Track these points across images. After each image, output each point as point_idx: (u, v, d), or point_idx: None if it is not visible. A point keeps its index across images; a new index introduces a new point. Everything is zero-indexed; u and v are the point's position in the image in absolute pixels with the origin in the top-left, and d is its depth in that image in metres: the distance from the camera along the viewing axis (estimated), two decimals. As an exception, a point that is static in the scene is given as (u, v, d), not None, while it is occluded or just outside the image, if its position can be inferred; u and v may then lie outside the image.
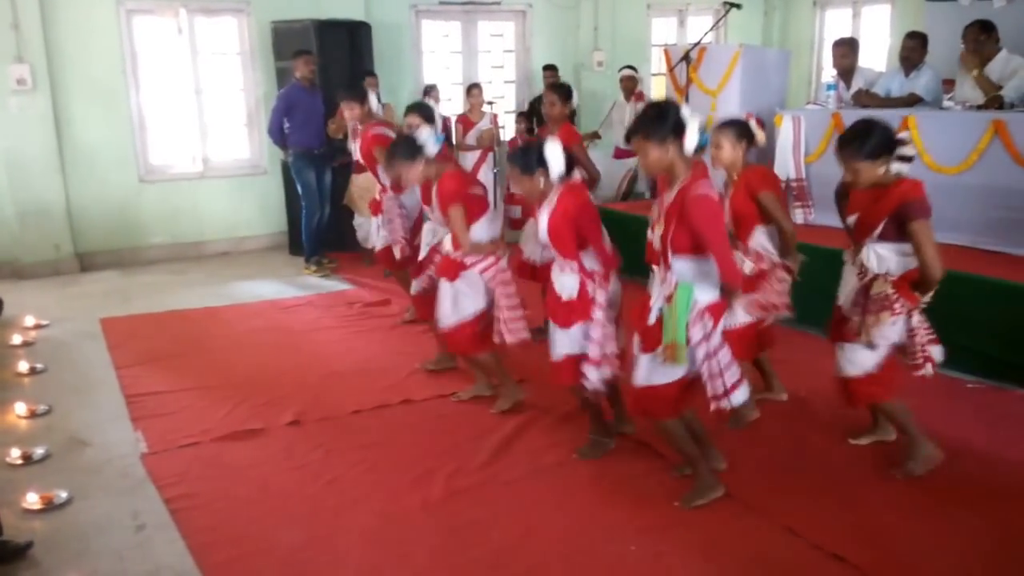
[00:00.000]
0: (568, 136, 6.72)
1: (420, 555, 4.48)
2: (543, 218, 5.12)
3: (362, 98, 8.09)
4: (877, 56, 13.01)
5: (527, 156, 5.10)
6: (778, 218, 5.57)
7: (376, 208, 7.88)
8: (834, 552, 4.39)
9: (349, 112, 8.07)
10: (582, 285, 5.07)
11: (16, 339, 7.98)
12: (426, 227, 6.84)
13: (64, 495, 5.08)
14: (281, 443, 5.85)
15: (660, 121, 4.36)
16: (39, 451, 5.68)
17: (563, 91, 7.43)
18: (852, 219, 4.98)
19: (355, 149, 8.10)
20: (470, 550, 4.51)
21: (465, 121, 11.79)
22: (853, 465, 5.36)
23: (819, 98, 10.00)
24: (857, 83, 9.16)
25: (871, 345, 4.91)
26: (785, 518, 4.71)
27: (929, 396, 6.41)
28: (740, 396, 4.58)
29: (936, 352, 4.96)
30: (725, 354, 4.54)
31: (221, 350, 7.75)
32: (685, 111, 4.39)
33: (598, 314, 5.05)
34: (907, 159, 4.79)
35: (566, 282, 5.14)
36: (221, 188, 11.82)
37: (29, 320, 8.50)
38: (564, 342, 5.21)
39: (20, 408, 6.37)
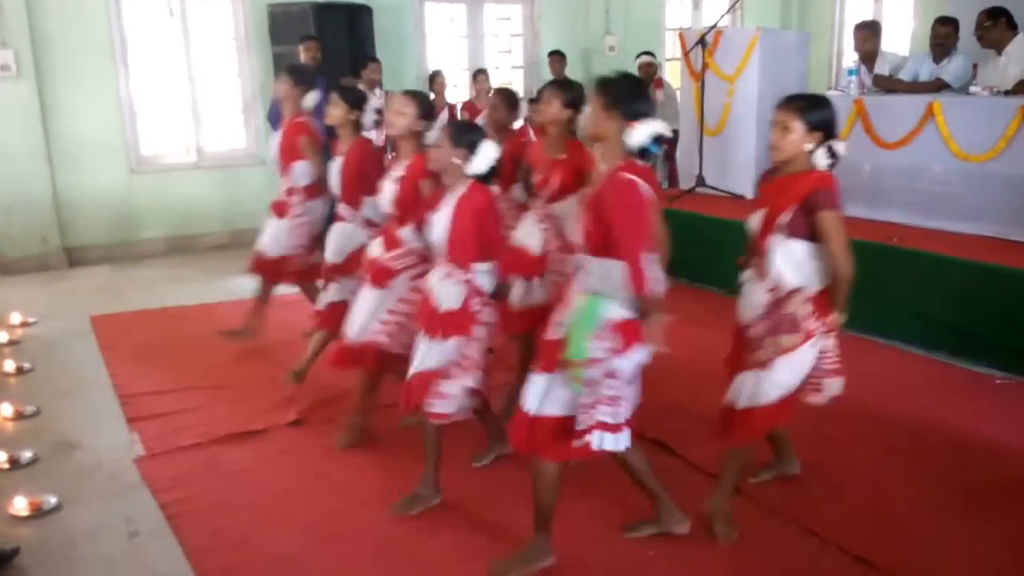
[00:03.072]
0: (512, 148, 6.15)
1: (429, 560, 4.48)
2: (446, 210, 4.75)
3: (301, 79, 7.48)
4: (900, 40, 12.98)
5: (465, 131, 4.77)
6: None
7: (282, 210, 7.44)
8: (858, 554, 4.39)
9: (279, 85, 7.53)
10: (467, 298, 4.72)
11: (2, 337, 7.99)
12: (337, 229, 6.48)
13: (53, 500, 5.06)
14: (282, 444, 5.85)
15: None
16: (26, 454, 5.67)
17: (507, 96, 6.69)
18: (758, 215, 4.48)
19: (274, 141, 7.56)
20: (480, 553, 4.49)
21: (471, 108, 11.80)
22: (877, 465, 5.35)
23: (840, 84, 9.99)
24: (880, 68, 9.14)
25: (770, 365, 4.38)
26: (808, 519, 4.70)
27: (957, 392, 6.43)
28: (617, 441, 4.11)
29: (834, 386, 4.58)
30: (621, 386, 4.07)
31: (218, 348, 7.71)
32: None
33: (480, 332, 4.76)
34: (834, 155, 4.38)
35: (449, 291, 4.74)
36: (216, 179, 11.83)
37: (15, 317, 8.50)
38: (432, 356, 4.77)
39: (6, 409, 6.36)
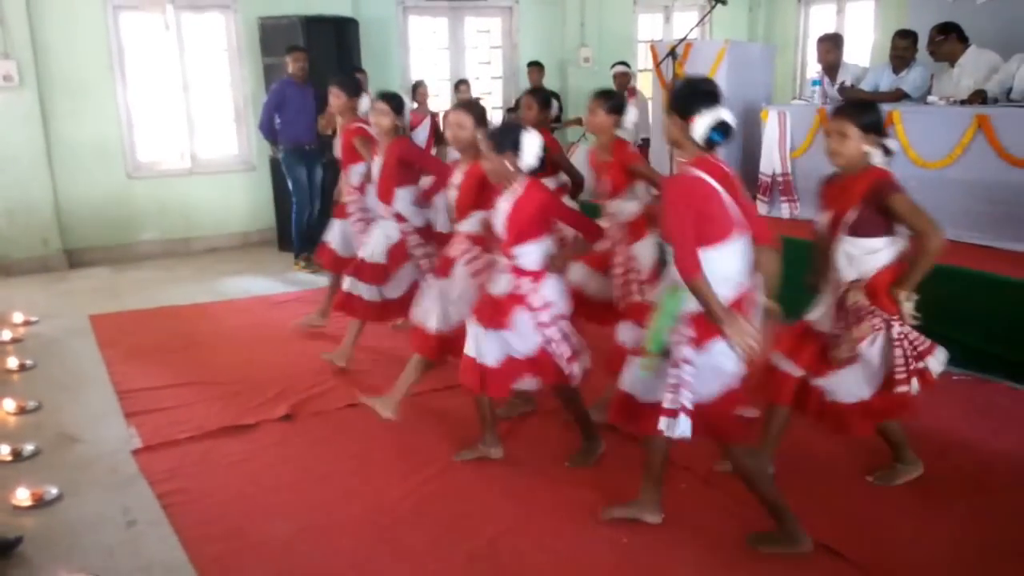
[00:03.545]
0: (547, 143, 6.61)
1: (412, 549, 4.48)
2: (504, 206, 4.97)
3: (353, 90, 7.68)
4: (861, 52, 13.02)
5: (503, 135, 4.95)
6: None
7: (343, 212, 7.66)
8: (826, 544, 4.40)
9: (334, 99, 7.66)
10: (515, 283, 4.94)
11: (5, 335, 7.94)
12: (376, 229, 6.81)
13: (54, 491, 5.05)
14: (273, 438, 5.84)
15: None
16: (29, 447, 5.65)
17: (541, 96, 7.01)
18: (825, 217, 4.69)
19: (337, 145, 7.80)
20: (462, 543, 4.50)
21: (452, 117, 11.76)
22: (843, 459, 5.36)
23: (804, 94, 10.02)
24: (842, 79, 9.17)
25: (854, 359, 4.57)
26: (775, 510, 4.70)
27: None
28: (672, 426, 4.12)
29: (933, 363, 4.64)
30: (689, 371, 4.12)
31: (212, 346, 7.73)
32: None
33: (537, 310, 4.93)
34: (888, 151, 4.62)
35: (499, 279, 5.04)
36: (210, 184, 11.79)
37: (18, 316, 8.45)
38: (494, 345, 5.00)
39: (9, 404, 6.34)
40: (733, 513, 4.74)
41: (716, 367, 4.12)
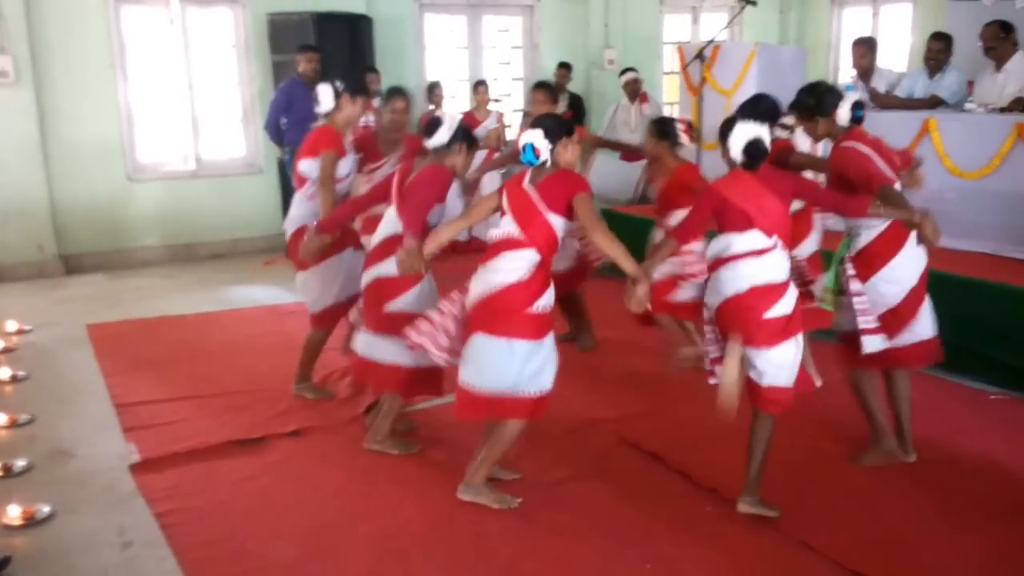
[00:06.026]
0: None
1: (425, 573, 4.46)
2: None
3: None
4: (897, 56, 13.01)
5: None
6: None
7: None
8: (854, 569, 4.38)
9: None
10: None
11: (-3, 344, 7.96)
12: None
13: (47, 510, 5.03)
14: (280, 454, 5.82)
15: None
16: (20, 463, 5.63)
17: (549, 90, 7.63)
18: None
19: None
20: (478, 566, 4.49)
21: (470, 119, 11.74)
22: (871, 478, 5.34)
23: (838, 99, 9.96)
24: (876, 84, 9.16)
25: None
26: (803, 534, 4.68)
27: (951, 407, 6.41)
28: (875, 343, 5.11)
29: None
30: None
31: (216, 358, 7.71)
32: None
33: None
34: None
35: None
36: (214, 188, 11.79)
37: (11, 325, 8.46)
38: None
39: (0, 417, 6.33)
40: (760, 536, 4.72)
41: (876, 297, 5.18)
